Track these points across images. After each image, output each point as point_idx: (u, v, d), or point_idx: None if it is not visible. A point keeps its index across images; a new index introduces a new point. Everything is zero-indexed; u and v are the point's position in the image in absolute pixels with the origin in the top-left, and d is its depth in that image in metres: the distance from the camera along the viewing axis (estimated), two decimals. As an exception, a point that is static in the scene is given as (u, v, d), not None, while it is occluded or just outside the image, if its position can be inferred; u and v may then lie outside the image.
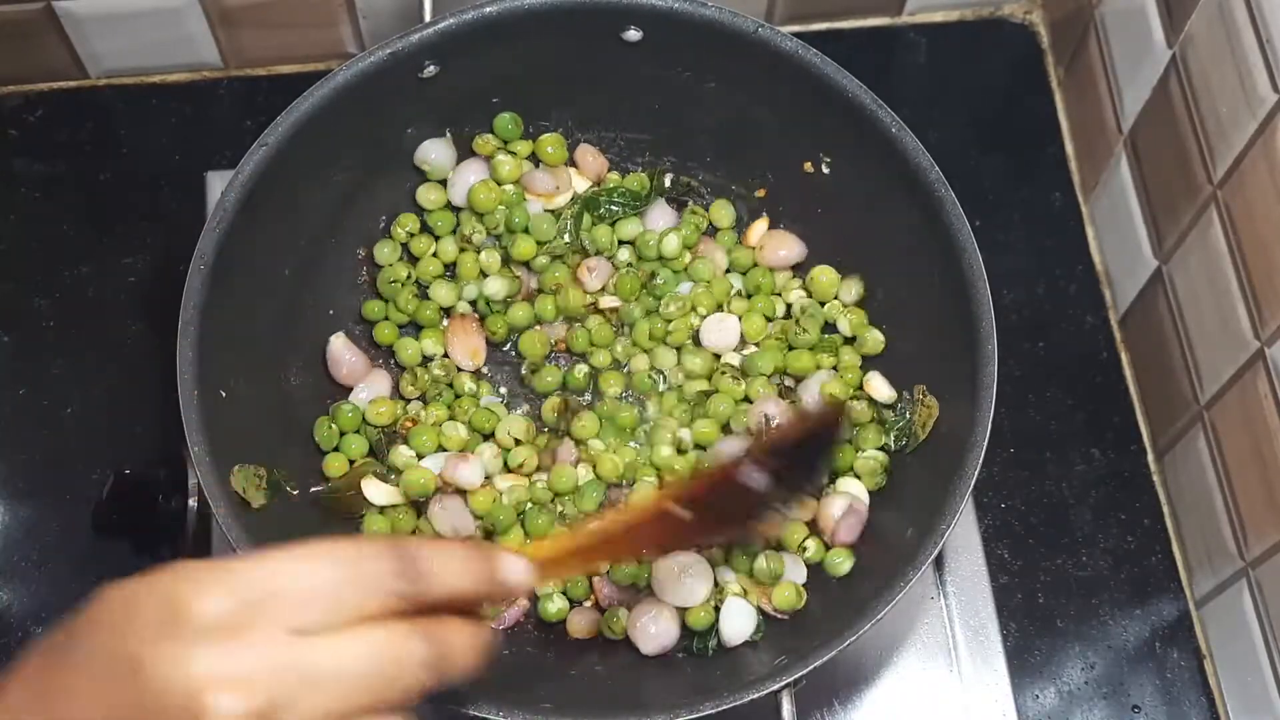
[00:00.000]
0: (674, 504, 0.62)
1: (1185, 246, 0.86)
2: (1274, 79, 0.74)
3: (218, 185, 0.95)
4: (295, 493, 0.78)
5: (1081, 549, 0.90)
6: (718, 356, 0.85)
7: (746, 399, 0.83)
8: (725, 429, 0.83)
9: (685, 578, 0.78)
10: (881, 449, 0.81)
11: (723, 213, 0.89)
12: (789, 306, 0.87)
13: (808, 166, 0.85)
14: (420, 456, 0.82)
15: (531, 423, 0.83)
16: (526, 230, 0.87)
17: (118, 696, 0.45)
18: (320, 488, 0.81)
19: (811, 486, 0.78)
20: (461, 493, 0.80)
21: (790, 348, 0.85)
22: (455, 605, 0.50)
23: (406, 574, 0.47)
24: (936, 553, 0.70)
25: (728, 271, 0.88)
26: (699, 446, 0.83)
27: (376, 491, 0.81)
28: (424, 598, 0.48)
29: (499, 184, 0.87)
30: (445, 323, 0.87)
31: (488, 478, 0.81)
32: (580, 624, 0.79)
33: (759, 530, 0.76)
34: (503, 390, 0.87)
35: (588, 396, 0.86)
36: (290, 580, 0.46)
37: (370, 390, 0.84)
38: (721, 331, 0.85)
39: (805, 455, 0.67)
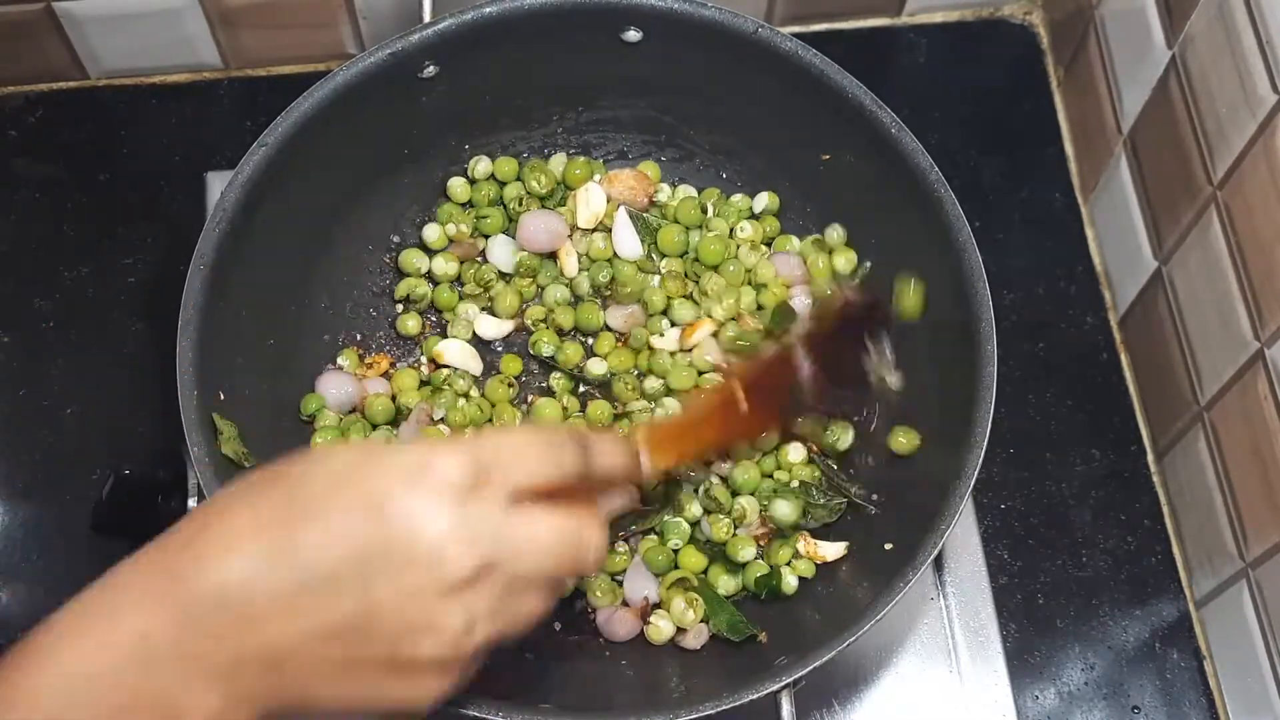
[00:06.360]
0: (737, 389, 0.68)
1: (1185, 247, 0.86)
2: (1274, 79, 0.74)
3: (218, 185, 0.95)
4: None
5: (1081, 549, 0.90)
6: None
7: None
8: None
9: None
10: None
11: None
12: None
13: (807, 166, 0.86)
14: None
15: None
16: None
17: (364, 532, 0.50)
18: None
19: (856, 381, 0.75)
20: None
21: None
22: (597, 487, 0.58)
23: (584, 457, 0.56)
24: (936, 553, 0.70)
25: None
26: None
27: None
28: (592, 478, 0.56)
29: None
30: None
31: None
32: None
33: (809, 426, 0.79)
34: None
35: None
36: (510, 452, 0.53)
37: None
38: None
39: (849, 346, 0.71)
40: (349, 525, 0.50)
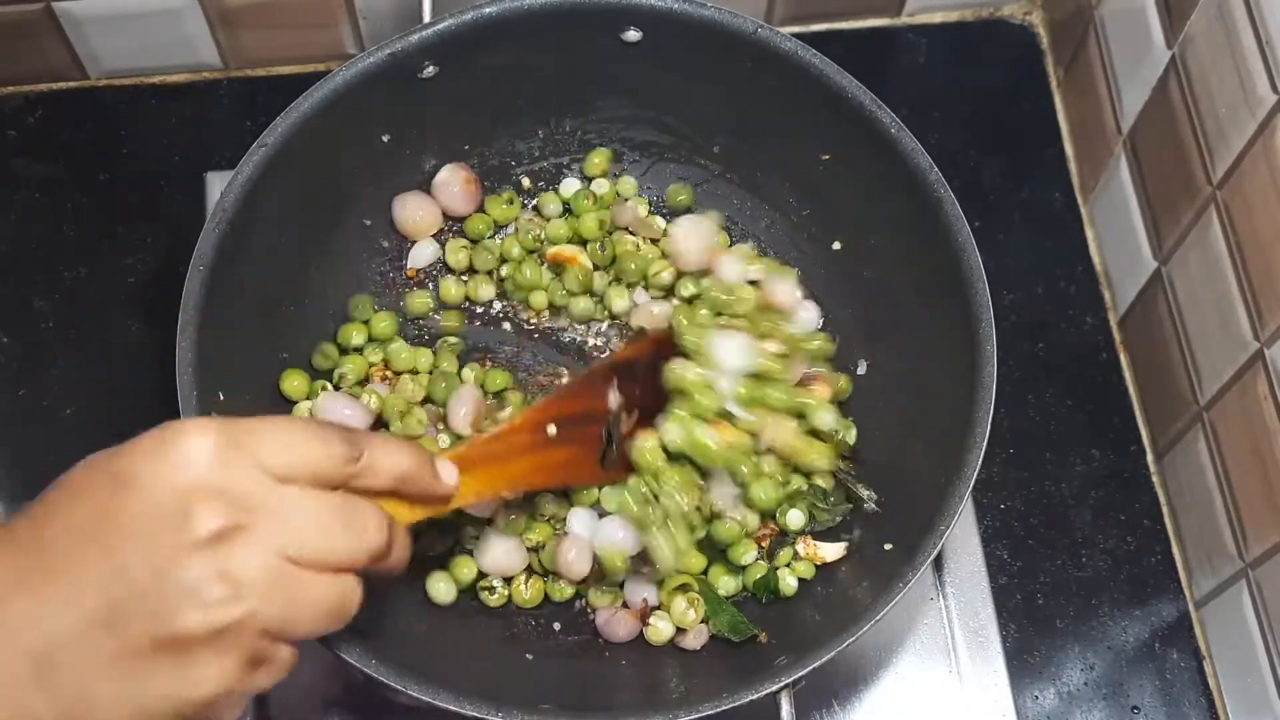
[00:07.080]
0: (544, 418, 0.68)
1: (1185, 247, 0.86)
2: (1273, 79, 0.74)
3: (217, 186, 0.96)
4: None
5: (1081, 549, 0.90)
6: None
7: None
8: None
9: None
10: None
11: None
12: None
13: (807, 166, 0.86)
14: None
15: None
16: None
17: (107, 506, 0.51)
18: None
19: (658, 399, 0.77)
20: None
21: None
22: (392, 498, 0.57)
23: (356, 447, 0.54)
24: (936, 553, 0.70)
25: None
26: None
27: None
28: (367, 478, 0.55)
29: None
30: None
31: None
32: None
33: (615, 461, 0.76)
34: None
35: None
36: (266, 428, 0.52)
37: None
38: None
39: (650, 375, 0.73)
40: (94, 505, 0.51)
